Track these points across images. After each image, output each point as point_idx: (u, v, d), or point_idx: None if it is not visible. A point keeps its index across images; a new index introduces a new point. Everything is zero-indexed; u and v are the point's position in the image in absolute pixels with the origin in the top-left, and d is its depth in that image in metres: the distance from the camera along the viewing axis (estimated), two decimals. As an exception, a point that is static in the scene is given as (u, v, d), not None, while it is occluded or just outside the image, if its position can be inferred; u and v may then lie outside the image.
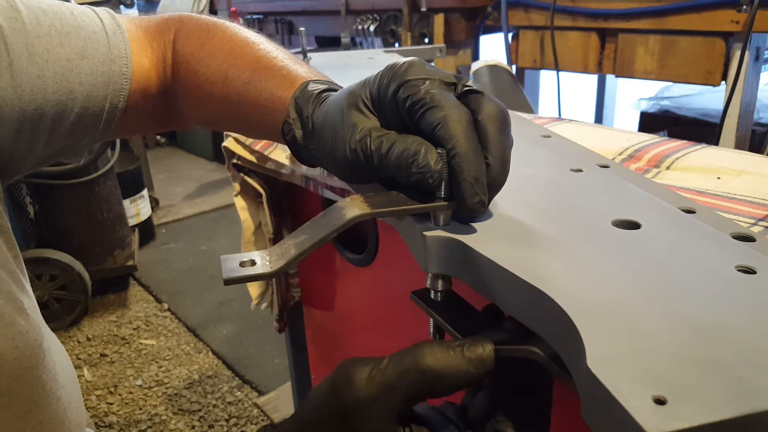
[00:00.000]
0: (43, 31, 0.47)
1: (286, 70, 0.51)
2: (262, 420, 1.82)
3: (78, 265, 2.19)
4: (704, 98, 1.93)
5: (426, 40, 2.03)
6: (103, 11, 0.55)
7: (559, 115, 1.58)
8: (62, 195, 2.24)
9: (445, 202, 0.38)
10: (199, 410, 1.83)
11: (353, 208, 0.37)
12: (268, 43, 0.55)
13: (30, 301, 0.50)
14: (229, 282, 0.35)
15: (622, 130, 0.74)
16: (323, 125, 0.44)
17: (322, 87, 0.48)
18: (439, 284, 0.41)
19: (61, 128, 0.50)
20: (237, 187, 1.03)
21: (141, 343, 2.14)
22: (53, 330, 2.02)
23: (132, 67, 0.54)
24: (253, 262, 0.36)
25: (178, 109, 0.59)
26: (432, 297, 0.42)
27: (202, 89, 0.54)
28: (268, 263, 0.36)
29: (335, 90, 0.48)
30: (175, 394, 1.89)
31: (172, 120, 0.62)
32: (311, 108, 0.46)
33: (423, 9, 2.02)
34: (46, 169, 2.14)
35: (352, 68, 1.03)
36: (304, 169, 0.85)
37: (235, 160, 0.98)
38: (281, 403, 1.82)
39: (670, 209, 0.42)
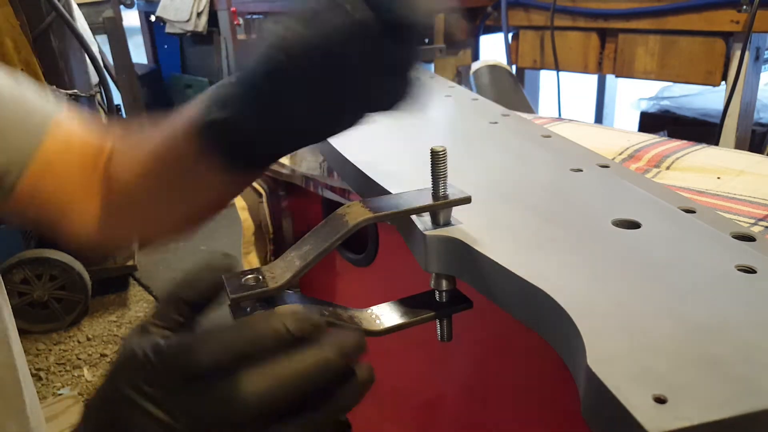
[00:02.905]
0: None
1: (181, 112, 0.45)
2: (262, 420, 1.82)
3: (78, 265, 2.19)
4: (704, 98, 1.93)
5: (426, 40, 2.03)
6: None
7: (559, 115, 1.58)
8: (62, 195, 2.24)
9: (445, 201, 0.38)
10: (199, 410, 1.83)
11: (354, 214, 0.37)
12: None
13: None
14: (236, 300, 0.34)
15: (622, 130, 0.74)
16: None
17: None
18: (443, 284, 0.41)
19: None
20: (237, 187, 1.03)
21: (141, 343, 2.14)
22: (53, 329, 2.02)
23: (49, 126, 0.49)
24: (257, 278, 0.35)
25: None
26: (437, 298, 0.41)
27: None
28: (273, 277, 0.35)
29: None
30: (175, 394, 1.89)
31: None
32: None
33: (423, 9, 2.01)
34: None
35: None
36: (304, 168, 0.85)
37: (235, 160, 0.98)
38: (281, 403, 1.82)
39: (670, 209, 0.42)
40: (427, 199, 0.38)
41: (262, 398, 0.30)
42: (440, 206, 0.38)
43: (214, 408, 0.30)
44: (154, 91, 5.13)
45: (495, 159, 0.54)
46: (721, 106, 1.41)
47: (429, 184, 0.38)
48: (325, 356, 0.30)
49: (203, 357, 0.30)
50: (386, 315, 0.40)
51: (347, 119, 0.40)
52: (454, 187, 0.39)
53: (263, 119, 0.38)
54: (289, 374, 0.30)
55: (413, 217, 0.40)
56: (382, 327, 0.39)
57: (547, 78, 1.97)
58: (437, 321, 0.42)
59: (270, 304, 0.35)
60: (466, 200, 0.38)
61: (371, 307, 0.40)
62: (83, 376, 1.97)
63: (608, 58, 1.63)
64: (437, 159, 0.37)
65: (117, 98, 2.86)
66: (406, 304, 0.41)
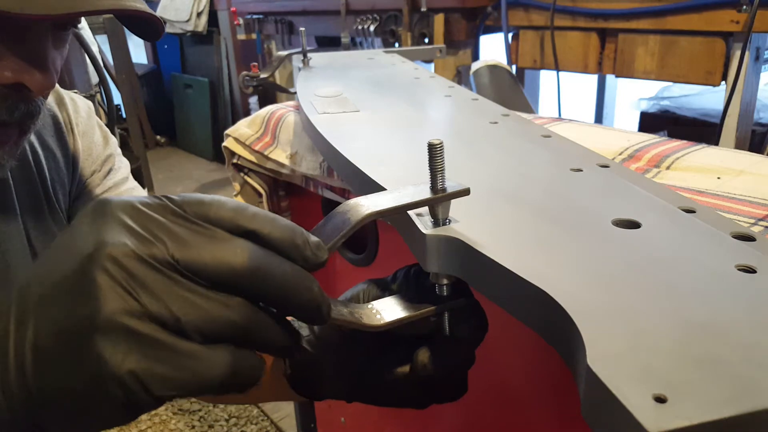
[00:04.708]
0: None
1: None
2: (262, 420, 1.82)
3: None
4: (704, 98, 1.93)
5: (426, 40, 2.03)
6: None
7: (559, 115, 1.58)
8: (62, 195, 2.24)
9: (444, 193, 0.38)
10: (199, 410, 1.83)
11: (356, 211, 0.36)
12: None
13: None
14: None
15: (622, 130, 0.74)
16: None
17: None
18: (444, 279, 0.41)
19: None
20: (237, 187, 1.03)
21: (141, 343, 2.14)
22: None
23: None
24: None
25: None
26: (438, 292, 0.42)
27: None
28: None
29: None
30: (175, 394, 1.89)
31: None
32: None
33: (423, 9, 2.02)
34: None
35: (352, 68, 1.03)
36: (304, 168, 0.85)
37: (235, 160, 0.99)
38: (281, 402, 1.82)
39: (671, 209, 0.42)
40: (426, 193, 0.38)
41: (244, 271, 0.30)
42: (440, 199, 0.38)
43: (205, 249, 0.29)
44: (154, 91, 5.14)
45: (495, 159, 0.54)
46: (721, 106, 1.41)
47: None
48: (309, 285, 0.32)
49: (221, 207, 0.31)
50: (387, 310, 0.40)
51: None
52: (453, 181, 0.39)
53: None
54: (279, 272, 0.31)
55: (413, 217, 0.40)
56: (383, 321, 0.39)
57: (547, 78, 1.97)
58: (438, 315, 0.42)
59: None
60: (465, 192, 0.38)
61: (372, 302, 0.41)
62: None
63: (608, 58, 1.63)
64: (434, 152, 0.37)
65: (117, 98, 2.86)
66: (407, 298, 0.41)
